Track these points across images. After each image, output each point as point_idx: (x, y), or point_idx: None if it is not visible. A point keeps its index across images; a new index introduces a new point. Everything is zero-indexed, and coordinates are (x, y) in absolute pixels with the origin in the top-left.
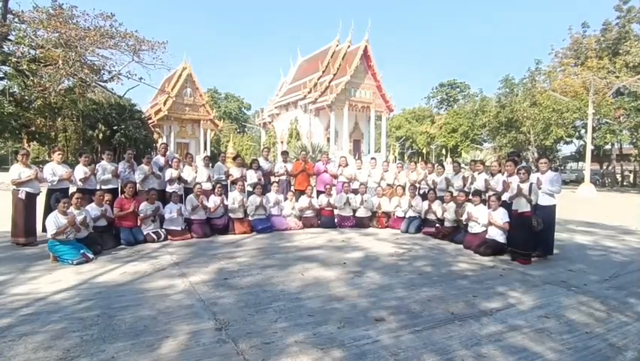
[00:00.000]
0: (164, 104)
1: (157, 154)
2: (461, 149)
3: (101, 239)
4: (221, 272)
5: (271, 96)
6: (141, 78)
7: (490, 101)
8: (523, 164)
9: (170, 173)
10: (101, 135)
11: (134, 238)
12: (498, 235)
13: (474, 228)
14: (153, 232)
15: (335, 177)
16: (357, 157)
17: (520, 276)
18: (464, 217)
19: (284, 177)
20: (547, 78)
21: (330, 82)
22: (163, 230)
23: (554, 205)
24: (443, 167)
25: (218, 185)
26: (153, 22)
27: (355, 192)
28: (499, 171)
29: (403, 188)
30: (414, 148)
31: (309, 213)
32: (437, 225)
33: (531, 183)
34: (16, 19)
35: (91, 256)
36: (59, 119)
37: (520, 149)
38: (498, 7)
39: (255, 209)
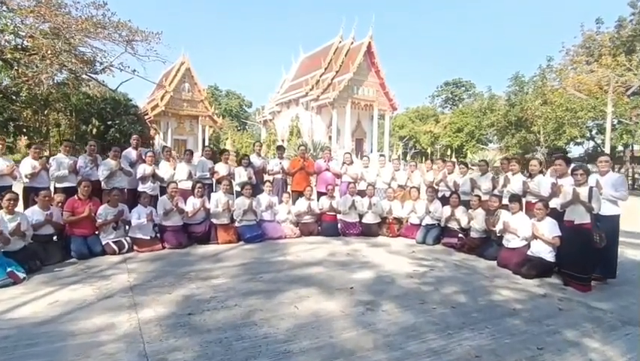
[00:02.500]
0: (162, 99)
1: (153, 151)
2: (466, 149)
3: (44, 252)
4: (187, 302)
5: (272, 93)
6: (134, 70)
7: (499, 99)
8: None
9: (142, 169)
10: (94, 130)
11: (89, 250)
12: (545, 252)
13: (511, 241)
14: (114, 242)
15: (338, 176)
16: (359, 157)
17: (587, 311)
18: (498, 228)
19: (279, 176)
20: (558, 76)
21: (332, 79)
22: (128, 239)
23: (618, 215)
24: (467, 166)
25: (198, 184)
26: (154, 18)
27: (362, 194)
28: (540, 172)
29: (418, 190)
30: (417, 148)
31: (307, 219)
32: (460, 235)
33: (591, 188)
34: (4, 7)
35: (21, 275)
36: (48, 112)
37: (528, 149)
38: (504, 4)
39: (243, 213)
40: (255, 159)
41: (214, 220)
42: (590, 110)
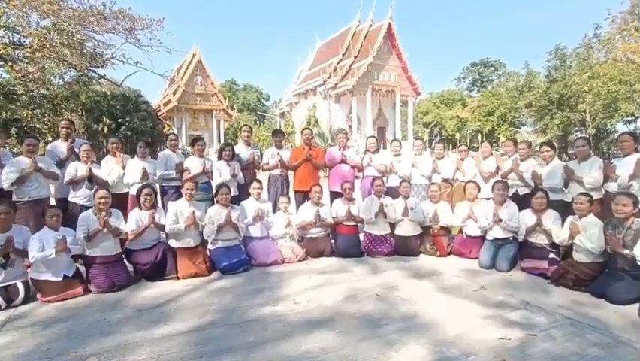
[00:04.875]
0: (174, 94)
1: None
2: (498, 133)
3: None
4: None
5: (290, 85)
6: (137, 62)
7: (537, 75)
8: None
9: (73, 169)
10: (105, 129)
11: None
12: None
13: None
14: (1, 288)
15: (359, 169)
16: (382, 147)
17: None
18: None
19: (277, 172)
20: (605, 46)
21: (351, 65)
22: (27, 282)
23: None
24: (554, 149)
25: (145, 190)
26: (167, 13)
27: (393, 193)
28: None
29: (478, 186)
30: (443, 135)
31: (316, 233)
32: (551, 255)
33: None
34: (4, 4)
35: None
36: (47, 111)
37: (569, 131)
38: None
39: (218, 230)
40: (241, 149)
41: (173, 243)
42: None
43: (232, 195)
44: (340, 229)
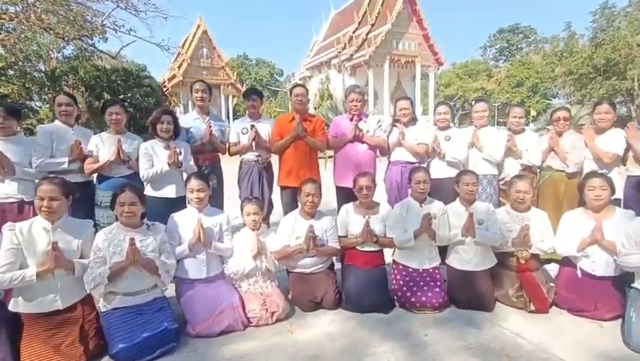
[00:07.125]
0: (179, 68)
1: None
2: (529, 106)
3: None
4: None
5: (303, 59)
6: (131, 30)
7: (579, 38)
8: None
9: None
10: None
11: None
12: None
13: None
14: None
15: (383, 150)
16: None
17: None
18: None
19: (252, 157)
20: None
21: (367, 34)
22: None
23: None
24: None
25: None
26: None
27: (440, 191)
28: None
29: (611, 184)
30: (465, 108)
31: (309, 266)
32: None
33: None
34: None
35: None
36: (45, 89)
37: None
38: None
39: (114, 277)
40: (192, 120)
41: (18, 305)
42: None
43: (173, 196)
44: (353, 257)
